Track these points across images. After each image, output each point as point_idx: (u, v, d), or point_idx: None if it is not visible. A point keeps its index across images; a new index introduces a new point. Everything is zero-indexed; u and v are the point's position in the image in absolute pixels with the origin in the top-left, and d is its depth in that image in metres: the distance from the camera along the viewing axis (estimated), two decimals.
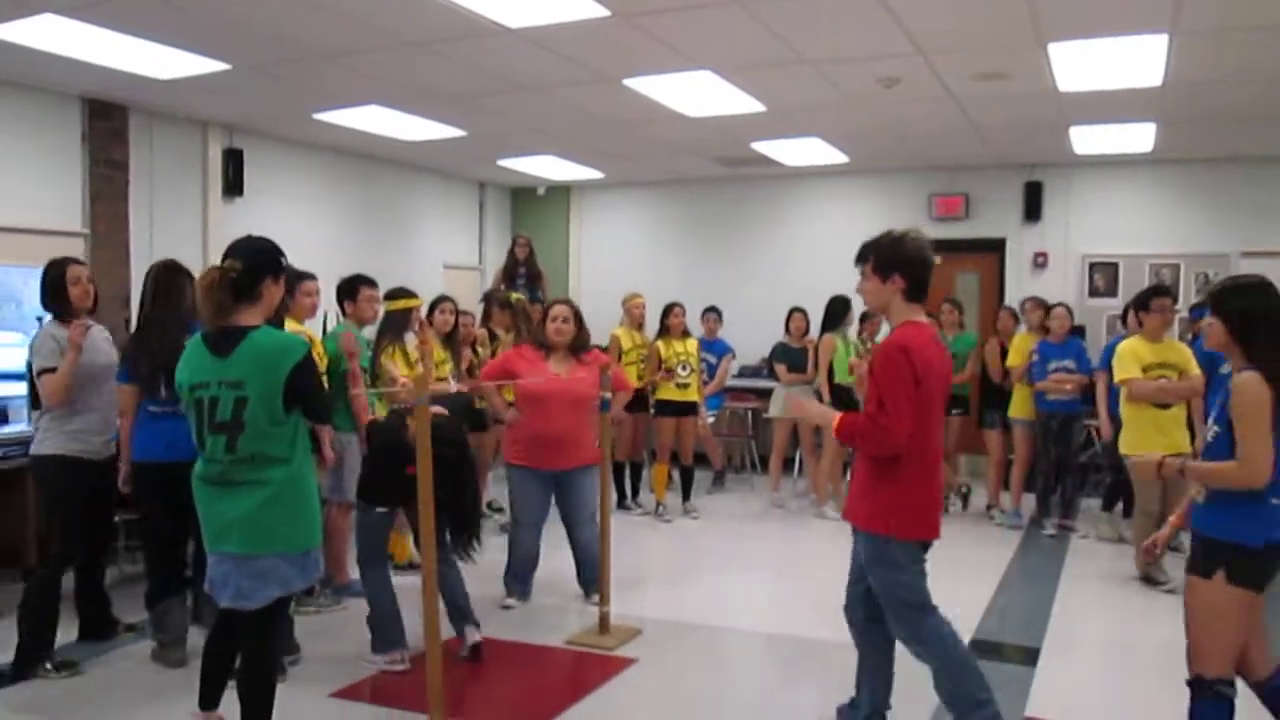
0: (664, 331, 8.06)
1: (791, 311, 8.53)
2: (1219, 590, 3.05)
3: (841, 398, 8.03)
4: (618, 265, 11.17)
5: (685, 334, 8.18)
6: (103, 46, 5.81)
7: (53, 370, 4.40)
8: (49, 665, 4.36)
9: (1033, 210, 9.76)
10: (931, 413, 3.43)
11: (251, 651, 3.36)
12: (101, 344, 4.65)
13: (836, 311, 8.14)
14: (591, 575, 5.31)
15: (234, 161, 8.19)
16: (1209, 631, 3.11)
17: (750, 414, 9.98)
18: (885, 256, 3.48)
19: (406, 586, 5.76)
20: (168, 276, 4.62)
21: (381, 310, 5.97)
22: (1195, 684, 3.15)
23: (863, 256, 3.56)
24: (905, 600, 3.46)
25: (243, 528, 3.21)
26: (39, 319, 4.73)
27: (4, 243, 6.56)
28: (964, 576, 5.78)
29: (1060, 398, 7.20)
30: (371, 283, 5.83)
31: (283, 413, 3.21)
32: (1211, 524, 3.11)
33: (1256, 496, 3.00)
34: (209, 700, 3.52)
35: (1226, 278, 3.42)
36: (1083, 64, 6.09)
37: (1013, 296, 9.22)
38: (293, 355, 3.22)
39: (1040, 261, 9.80)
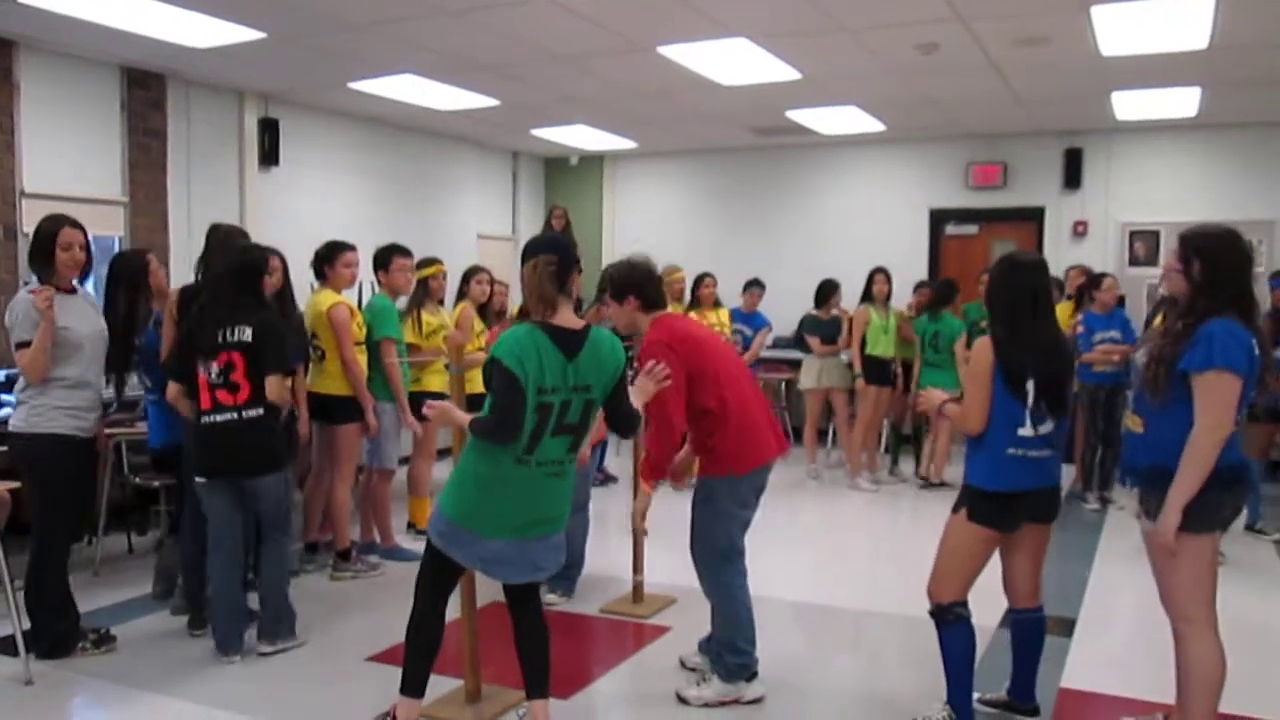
0: (695, 303, 8.02)
1: (826, 285, 8.42)
2: (961, 525, 3.47)
3: (873, 369, 8.01)
4: (651, 236, 11.09)
5: (716, 304, 8.14)
6: (141, 15, 5.84)
7: (29, 344, 4.04)
8: (86, 643, 4.26)
9: (1072, 178, 9.61)
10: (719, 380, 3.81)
11: (539, 614, 3.44)
12: (89, 312, 4.30)
13: (871, 284, 8.13)
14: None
15: (269, 131, 8.22)
16: (951, 560, 3.51)
17: (783, 385, 9.95)
18: (617, 285, 3.89)
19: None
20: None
21: (414, 280, 6.03)
22: (937, 612, 3.52)
23: (602, 290, 4.00)
24: None
25: (560, 513, 3.28)
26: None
27: (46, 211, 6.61)
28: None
29: (1106, 369, 7.10)
30: (405, 252, 5.86)
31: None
32: (967, 469, 3.52)
33: (988, 445, 3.40)
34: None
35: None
36: (1126, 27, 5.97)
37: (1052, 266, 9.07)
38: (621, 355, 3.27)
39: (1080, 230, 9.66)
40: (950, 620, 3.49)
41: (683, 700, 3.88)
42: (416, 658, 3.42)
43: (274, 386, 4.17)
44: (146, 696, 3.91)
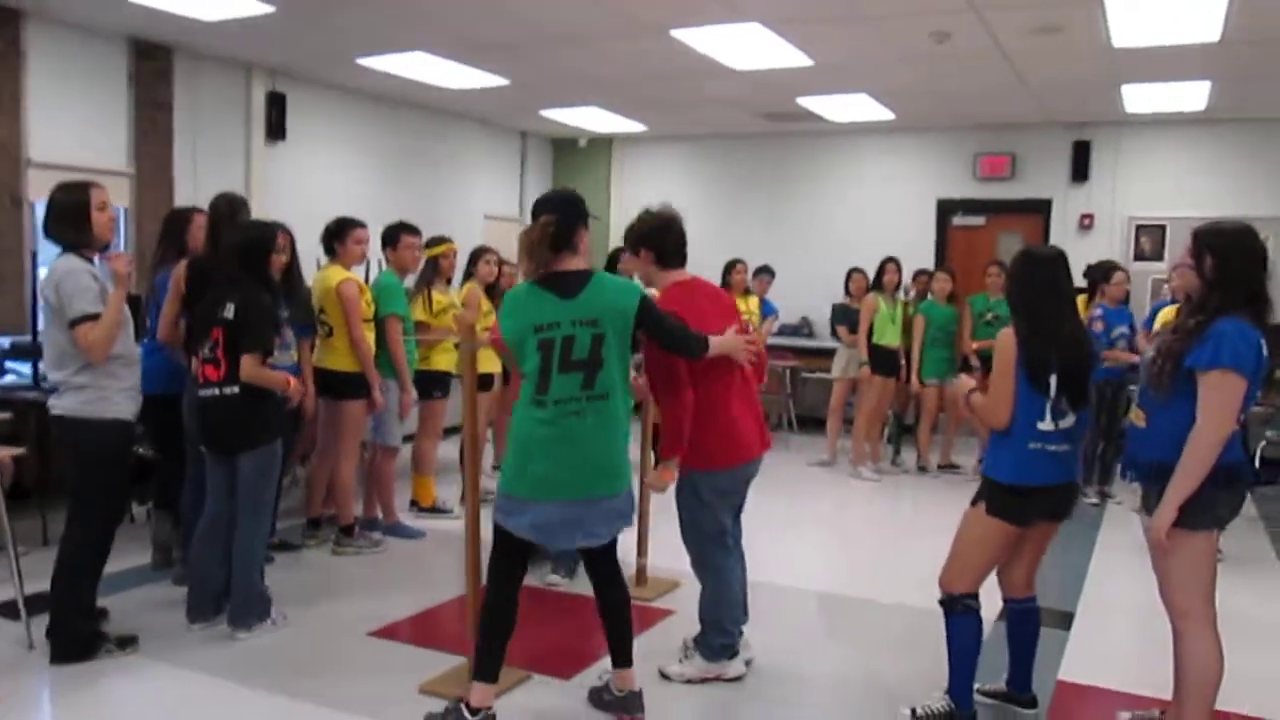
0: (724, 289, 7.93)
1: (851, 272, 8.44)
2: (980, 518, 3.45)
3: (880, 358, 8.00)
4: None
5: (746, 291, 8.09)
6: None
7: (95, 317, 3.68)
8: (111, 645, 3.99)
9: (1080, 170, 9.59)
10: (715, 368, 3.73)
11: (618, 578, 3.50)
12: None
13: (879, 272, 8.11)
14: None
15: (277, 106, 8.19)
16: (968, 553, 3.50)
17: (788, 372, 9.95)
18: (632, 236, 3.87)
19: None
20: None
21: (423, 258, 6.02)
22: (947, 602, 3.51)
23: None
24: None
25: (602, 469, 3.26)
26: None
27: (53, 180, 6.59)
28: None
29: (1114, 365, 7.10)
30: (413, 230, 5.84)
31: (628, 351, 3.29)
32: (988, 462, 3.52)
33: (1010, 439, 3.37)
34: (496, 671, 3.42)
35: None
36: (1139, 18, 5.95)
37: None
38: (636, 293, 3.32)
39: (1086, 223, 9.65)
40: (959, 611, 3.49)
41: (665, 676, 3.93)
42: (486, 641, 3.38)
43: (246, 366, 4.13)
44: (148, 665, 3.92)
